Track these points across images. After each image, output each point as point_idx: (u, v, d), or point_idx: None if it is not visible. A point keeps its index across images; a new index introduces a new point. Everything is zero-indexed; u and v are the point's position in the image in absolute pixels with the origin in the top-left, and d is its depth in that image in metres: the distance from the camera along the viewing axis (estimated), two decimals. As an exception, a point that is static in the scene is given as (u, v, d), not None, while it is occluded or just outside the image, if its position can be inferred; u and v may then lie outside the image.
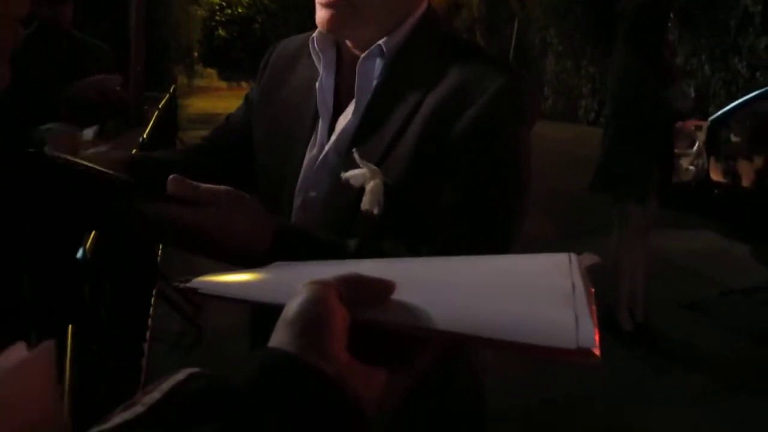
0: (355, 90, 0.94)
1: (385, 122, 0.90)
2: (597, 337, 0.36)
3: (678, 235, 5.66)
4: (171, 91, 8.87)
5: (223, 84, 22.61)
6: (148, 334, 3.10)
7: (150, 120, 4.97)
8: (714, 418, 2.87)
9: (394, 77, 0.93)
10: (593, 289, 0.39)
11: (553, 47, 15.74)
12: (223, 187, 0.76)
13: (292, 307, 0.42)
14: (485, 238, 0.86)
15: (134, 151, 2.34)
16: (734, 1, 10.29)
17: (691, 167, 6.72)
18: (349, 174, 0.88)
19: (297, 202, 0.98)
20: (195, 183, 0.74)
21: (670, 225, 5.71)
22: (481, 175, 0.86)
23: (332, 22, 0.91)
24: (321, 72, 0.99)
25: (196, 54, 22.94)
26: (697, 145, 6.70)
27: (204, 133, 1.25)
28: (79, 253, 1.52)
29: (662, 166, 3.52)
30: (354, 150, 0.87)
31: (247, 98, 1.17)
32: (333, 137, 0.96)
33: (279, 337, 0.41)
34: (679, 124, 3.91)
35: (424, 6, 0.97)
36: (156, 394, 0.34)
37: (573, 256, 0.41)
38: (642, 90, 3.40)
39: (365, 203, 0.86)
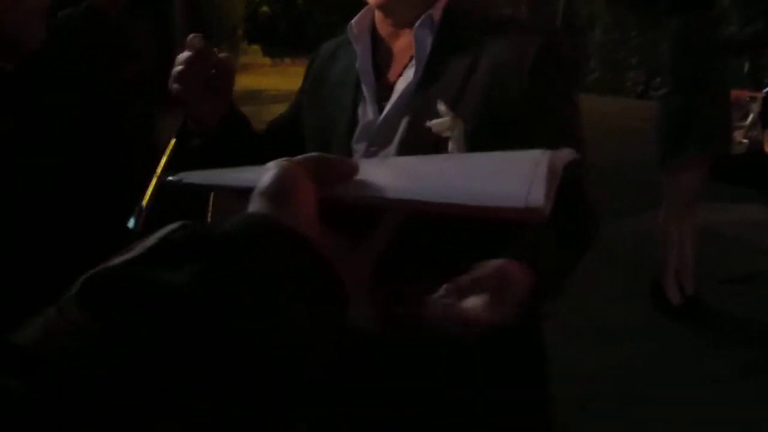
0: (414, 54, 1.04)
1: (445, 82, 1.00)
2: (546, 199, 0.38)
3: (730, 208, 5.53)
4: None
5: (267, 60, 22.66)
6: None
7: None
8: (764, 393, 2.83)
9: (443, 42, 1.03)
10: (558, 181, 0.40)
11: (600, 19, 15.38)
12: None
13: (263, 180, 0.43)
14: None
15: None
16: (791, -37, 9.91)
17: (745, 140, 6.54)
18: (434, 122, 0.94)
19: (356, 156, 1.06)
20: None
21: (723, 198, 5.58)
22: (543, 128, 0.94)
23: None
24: (358, 50, 1.10)
25: (240, 32, 23.08)
26: (751, 116, 6.53)
27: (248, 111, 1.31)
28: (131, 223, 1.56)
29: (717, 135, 3.45)
30: (439, 101, 0.96)
31: (299, 91, 1.28)
32: (393, 98, 1.05)
33: (253, 206, 0.43)
34: (733, 94, 3.82)
35: None
36: (151, 240, 0.37)
37: (547, 150, 0.42)
38: (693, 60, 3.36)
39: (452, 149, 0.93)
